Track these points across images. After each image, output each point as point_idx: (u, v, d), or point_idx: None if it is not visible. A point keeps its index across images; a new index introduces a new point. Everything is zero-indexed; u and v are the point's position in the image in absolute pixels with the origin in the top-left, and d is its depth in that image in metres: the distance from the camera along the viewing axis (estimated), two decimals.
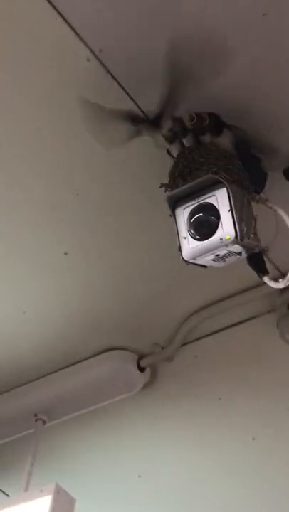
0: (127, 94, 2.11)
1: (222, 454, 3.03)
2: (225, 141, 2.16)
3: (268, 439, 2.95)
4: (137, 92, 2.11)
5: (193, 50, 1.98)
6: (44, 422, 3.12)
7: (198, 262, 2.09)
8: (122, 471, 3.18)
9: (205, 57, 2.01)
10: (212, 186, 2.06)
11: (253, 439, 2.98)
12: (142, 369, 3.05)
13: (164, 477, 3.04)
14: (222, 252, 2.03)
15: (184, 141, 2.16)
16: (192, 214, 2.07)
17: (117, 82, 2.08)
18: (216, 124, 2.14)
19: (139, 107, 2.14)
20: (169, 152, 2.19)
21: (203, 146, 2.15)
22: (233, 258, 2.08)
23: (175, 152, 2.19)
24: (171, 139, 2.17)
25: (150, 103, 2.13)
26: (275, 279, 2.11)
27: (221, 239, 2.00)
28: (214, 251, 2.03)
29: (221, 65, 2.04)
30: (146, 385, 3.09)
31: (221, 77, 2.07)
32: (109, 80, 2.08)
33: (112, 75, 2.07)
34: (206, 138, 2.15)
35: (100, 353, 3.04)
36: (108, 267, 2.70)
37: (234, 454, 3.02)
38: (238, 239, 1.98)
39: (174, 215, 2.11)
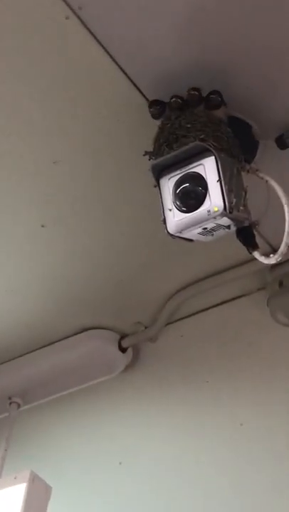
0: (108, 53, 2.11)
1: (208, 440, 3.02)
2: (218, 113, 2.17)
3: (257, 425, 2.96)
4: (119, 52, 2.11)
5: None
6: (19, 406, 3.14)
7: (184, 235, 2.10)
8: (102, 457, 3.17)
9: None
10: (199, 155, 2.06)
11: (241, 424, 2.98)
12: (123, 349, 3.09)
13: (146, 464, 3.03)
14: (210, 225, 2.05)
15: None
16: (178, 184, 2.07)
17: (97, 39, 2.07)
18: (217, 101, 2.15)
19: (121, 67, 2.14)
20: None
21: (190, 111, 2.15)
22: (221, 232, 2.09)
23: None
24: (157, 115, 2.18)
25: (132, 63, 2.13)
26: (266, 255, 2.12)
27: (209, 211, 2.01)
28: (201, 224, 2.04)
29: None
30: (128, 367, 3.12)
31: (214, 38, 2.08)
32: (88, 39, 2.07)
33: (91, 32, 2.06)
34: (199, 108, 2.16)
35: (79, 332, 3.07)
36: (88, 240, 2.70)
37: (221, 440, 3.01)
38: (227, 211, 1.99)
39: (158, 185, 2.12)
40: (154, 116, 2.17)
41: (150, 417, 3.10)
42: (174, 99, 2.13)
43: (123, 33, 2.07)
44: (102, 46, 2.09)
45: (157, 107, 2.16)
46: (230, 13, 2.03)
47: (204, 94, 2.14)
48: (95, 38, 2.07)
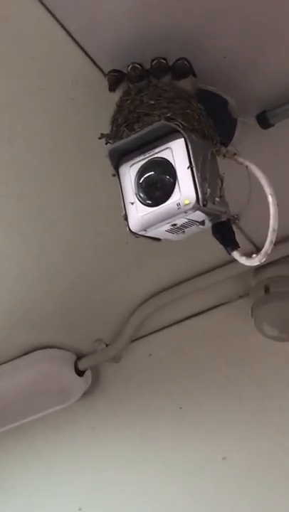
0: (57, 20, 2.08)
1: (185, 478, 3.05)
2: (185, 84, 2.14)
3: (241, 458, 2.98)
4: (69, 18, 2.08)
5: None
6: None
7: (150, 234, 2.07)
8: (58, 502, 3.19)
9: None
10: (166, 137, 2.03)
11: (224, 458, 3.01)
12: (80, 372, 3.09)
13: (109, 508, 3.06)
14: (180, 220, 2.02)
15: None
16: (141, 172, 2.04)
17: (42, 3, 2.05)
18: (185, 67, 2.11)
19: (72, 36, 2.11)
20: None
21: (154, 85, 2.12)
22: (194, 228, 2.06)
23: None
24: (114, 85, 2.15)
25: (85, 32, 2.10)
26: (248, 255, 2.08)
27: (178, 204, 1.97)
28: (170, 219, 2.01)
29: None
30: (87, 393, 3.13)
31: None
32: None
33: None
34: (164, 80, 2.12)
35: (28, 352, 3.06)
36: (36, 244, 2.67)
37: (200, 477, 3.05)
38: (200, 204, 1.96)
39: (117, 174, 2.09)
40: (111, 87, 2.14)
41: (114, 453, 3.11)
42: (132, 65, 2.10)
43: (75, 1, 2.04)
44: (51, 13, 2.06)
45: (114, 73, 2.13)
46: None
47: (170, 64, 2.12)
48: (43, 4, 2.04)
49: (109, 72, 2.15)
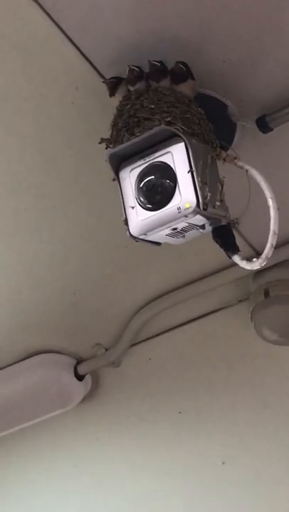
0: (57, 26, 2.09)
1: (184, 483, 3.04)
2: (185, 88, 2.14)
3: (240, 463, 2.98)
4: (70, 24, 2.09)
5: None
6: None
7: (150, 238, 2.07)
8: (57, 506, 3.18)
9: None
10: (166, 141, 2.04)
11: (223, 463, 3.00)
12: (80, 377, 3.08)
13: None
14: (180, 224, 2.02)
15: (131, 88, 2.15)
16: (141, 177, 2.05)
17: (43, 9, 2.05)
18: (181, 70, 2.12)
19: (72, 42, 2.12)
20: None
21: (154, 89, 2.12)
22: (194, 232, 2.07)
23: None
24: (113, 89, 2.16)
25: (85, 37, 2.11)
26: (248, 259, 2.09)
27: (179, 208, 1.98)
28: (170, 224, 2.01)
29: None
30: (87, 398, 3.11)
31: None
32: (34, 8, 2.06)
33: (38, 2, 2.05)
34: (163, 83, 2.13)
35: (27, 357, 3.05)
36: (35, 248, 2.67)
37: (200, 481, 3.04)
38: (201, 208, 1.96)
39: (118, 178, 2.09)
40: (111, 92, 2.15)
41: (114, 457, 3.10)
42: (130, 67, 2.10)
43: (74, 3, 2.04)
44: (50, 17, 2.07)
45: (113, 79, 2.14)
46: None
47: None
48: (42, 8, 2.05)
49: (108, 79, 2.16)
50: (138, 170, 2.06)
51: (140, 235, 2.06)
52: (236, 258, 2.11)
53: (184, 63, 2.11)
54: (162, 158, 2.03)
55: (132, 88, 2.13)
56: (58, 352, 3.05)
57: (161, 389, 3.05)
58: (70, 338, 3.02)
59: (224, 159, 2.12)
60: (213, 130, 2.14)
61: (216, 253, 2.17)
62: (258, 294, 2.81)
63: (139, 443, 3.10)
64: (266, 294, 2.80)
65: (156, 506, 3.04)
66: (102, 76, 2.18)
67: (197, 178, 1.98)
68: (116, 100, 2.16)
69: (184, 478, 3.04)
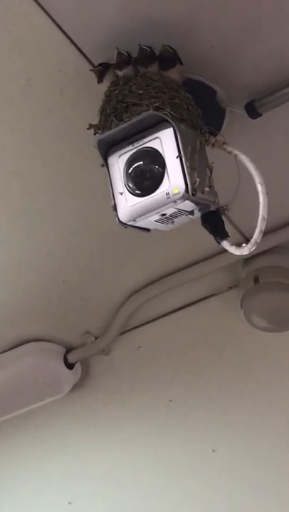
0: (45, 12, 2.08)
1: (175, 470, 3.05)
2: (173, 74, 2.13)
3: (231, 451, 2.98)
4: (57, 10, 2.08)
5: None
6: None
7: (139, 224, 2.07)
8: (49, 496, 3.19)
9: None
10: (155, 126, 2.03)
11: (214, 450, 3.01)
12: (70, 365, 3.08)
13: (100, 502, 3.05)
14: (169, 210, 2.01)
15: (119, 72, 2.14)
16: (130, 162, 2.04)
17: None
18: (169, 55, 2.11)
19: (61, 28, 2.11)
20: None
21: (142, 75, 2.12)
22: (183, 218, 2.07)
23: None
24: (101, 76, 2.15)
25: (72, 23, 2.10)
26: (238, 245, 2.07)
27: (168, 193, 1.97)
28: (159, 209, 2.00)
29: None
30: (77, 386, 3.12)
31: None
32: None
33: None
34: (151, 69, 2.12)
35: (17, 345, 3.05)
36: (23, 237, 2.66)
37: (190, 469, 3.05)
38: (190, 193, 1.96)
39: (106, 164, 2.09)
40: (99, 78, 2.14)
41: (104, 446, 3.10)
42: (118, 50, 2.09)
43: None
44: (38, 3, 2.06)
45: (100, 66, 2.13)
46: None
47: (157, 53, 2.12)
48: None
49: (96, 66, 2.15)
50: (127, 156, 2.05)
51: (129, 221, 2.05)
52: (225, 244, 2.10)
53: (170, 46, 2.10)
54: (151, 144, 2.02)
55: (119, 73, 2.12)
56: (48, 340, 3.04)
57: (151, 377, 3.06)
58: (60, 327, 3.02)
59: (213, 145, 2.12)
60: (201, 116, 2.13)
61: (205, 239, 2.16)
62: (248, 280, 2.81)
63: (130, 431, 3.10)
64: (256, 280, 2.79)
65: (147, 494, 3.05)
66: (90, 62, 2.17)
67: (186, 163, 1.98)
68: (104, 86, 2.16)
69: (175, 465, 3.05)
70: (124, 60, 2.10)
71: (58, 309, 2.95)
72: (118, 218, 2.06)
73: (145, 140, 2.04)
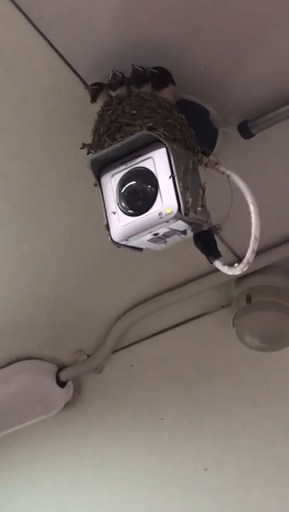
0: (40, 33, 2.09)
1: (166, 490, 3.04)
2: (166, 94, 2.14)
3: (222, 469, 2.97)
4: (52, 31, 2.09)
5: None
6: None
7: (132, 243, 2.07)
8: None
9: None
10: (148, 146, 2.03)
11: (205, 469, 3.00)
12: (62, 383, 3.07)
13: None
14: (162, 230, 2.02)
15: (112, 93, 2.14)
16: (123, 182, 2.04)
17: (26, 16, 2.05)
18: (162, 76, 2.13)
19: (55, 49, 2.12)
20: None
21: (135, 95, 2.12)
22: (176, 238, 2.07)
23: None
24: (95, 96, 2.16)
25: (67, 44, 2.11)
26: (230, 264, 2.08)
27: (160, 213, 1.98)
28: (152, 229, 2.01)
29: None
30: (69, 404, 3.11)
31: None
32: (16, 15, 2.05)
33: (20, 9, 2.04)
34: (145, 89, 2.13)
35: (9, 364, 3.04)
36: (15, 255, 2.66)
37: (182, 488, 3.04)
38: (182, 213, 1.96)
39: (99, 183, 2.09)
40: (92, 98, 2.15)
41: (96, 464, 3.09)
42: (113, 72, 2.10)
43: (56, 11, 2.04)
44: (32, 24, 2.06)
45: (95, 86, 2.14)
46: None
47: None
48: (24, 14, 2.04)
49: (90, 85, 2.16)
50: (120, 175, 2.05)
51: (122, 240, 2.05)
52: (218, 263, 2.10)
53: (162, 68, 2.11)
54: (144, 164, 2.03)
55: (113, 93, 2.13)
56: (40, 358, 3.04)
57: (144, 395, 3.05)
58: (52, 345, 3.01)
59: (206, 165, 2.12)
60: (194, 136, 2.13)
61: (197, 258, 2.16)
62: (240, 299, 2.81)
63: (122, 450, 3.09)
64: (248, 299, 2.79)
65: (138, 510, 3.03)
66: (84, 82, 2.18)
67: (178, 183, 1.98)
68: (97, 106, 2.16)
69: (167, 484, 3.04)
70: (118, 81, 2.11)
71: (51, 327, 2.94)
72: (111, 237, 2.06)
73: (138, 160, 2.04)
